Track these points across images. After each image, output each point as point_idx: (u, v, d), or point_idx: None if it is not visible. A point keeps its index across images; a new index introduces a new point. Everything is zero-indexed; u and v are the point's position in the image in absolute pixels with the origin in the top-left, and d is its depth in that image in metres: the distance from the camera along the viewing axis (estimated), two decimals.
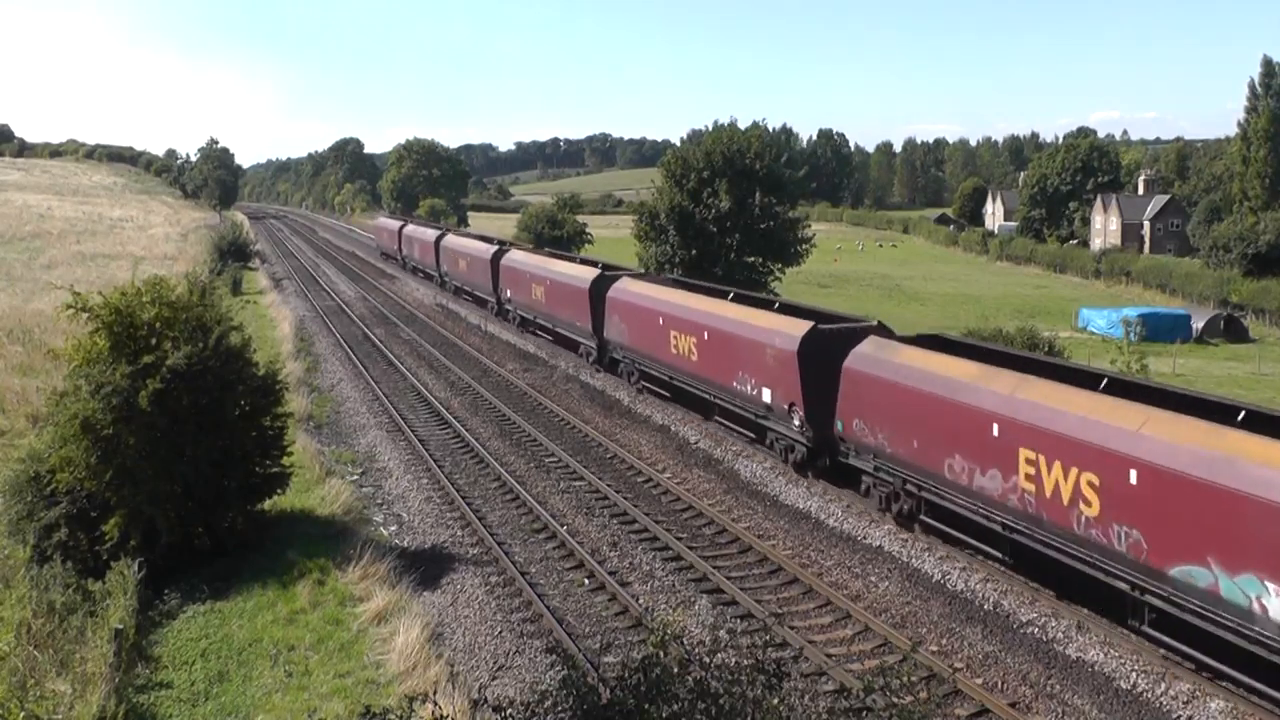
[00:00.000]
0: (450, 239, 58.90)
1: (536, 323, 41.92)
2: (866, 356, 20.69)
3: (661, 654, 8.23)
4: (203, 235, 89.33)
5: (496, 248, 48.94)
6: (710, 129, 55.00)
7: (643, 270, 38.21)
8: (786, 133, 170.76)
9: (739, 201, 48.61)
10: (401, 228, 73.49)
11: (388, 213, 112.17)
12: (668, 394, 30.12)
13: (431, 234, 63.17)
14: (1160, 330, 56.69)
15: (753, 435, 25.52)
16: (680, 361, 28.35)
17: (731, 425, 26.69)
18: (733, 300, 28.10)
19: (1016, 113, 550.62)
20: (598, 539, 20.25)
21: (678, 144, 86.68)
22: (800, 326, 22.94)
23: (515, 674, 14.88)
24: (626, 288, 32.74)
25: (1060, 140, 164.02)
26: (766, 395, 23.95)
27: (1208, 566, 13.58)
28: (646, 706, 7.84)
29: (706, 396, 27.54)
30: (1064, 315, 66.33)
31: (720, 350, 26.07)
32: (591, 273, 35.94)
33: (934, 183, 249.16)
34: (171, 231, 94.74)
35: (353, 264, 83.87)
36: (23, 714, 12.82)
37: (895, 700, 8.11)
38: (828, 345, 22.13)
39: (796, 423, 22.85)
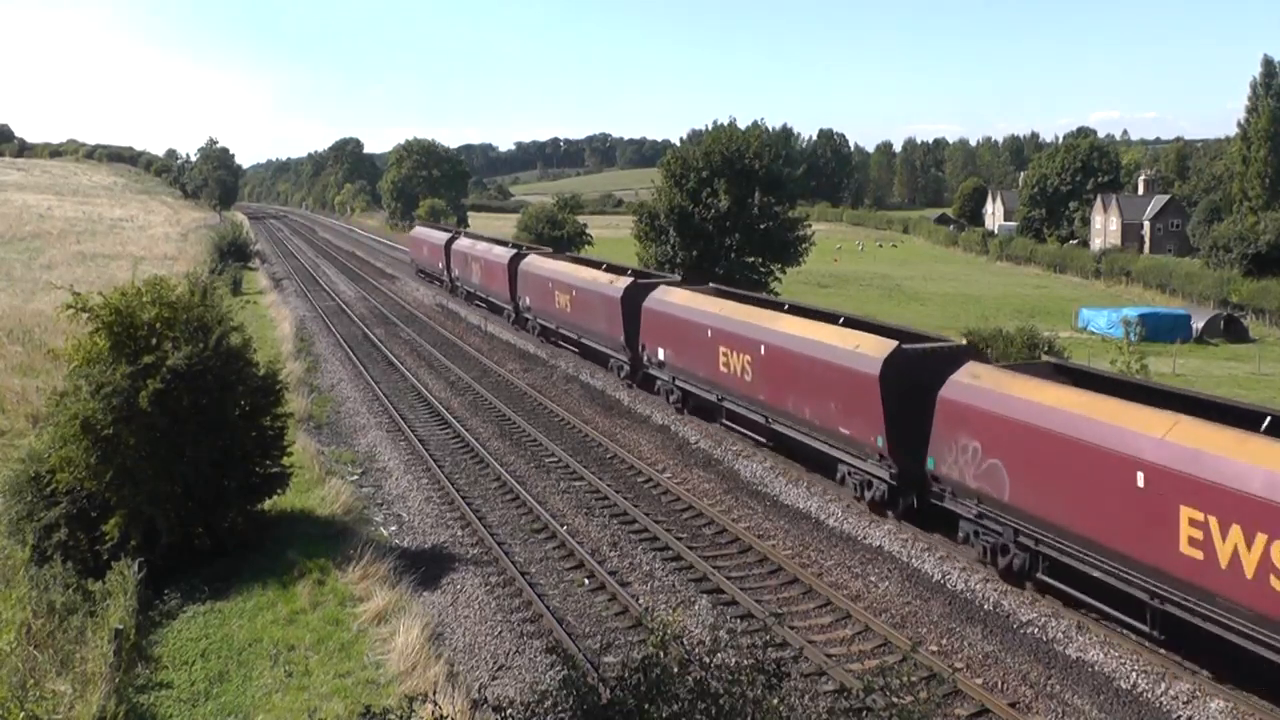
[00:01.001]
0: (537, 262, 42.16)
1: (745, 416, 25.69)
2: None
3: (661, 654, 8.23)
4: (203, 235, 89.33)
5: (631, 280, 33.14)
6: (710, 129, 55.01)
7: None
8: (786, 133, 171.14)
9: (738, 201, 48.65)
10: (450, 241, 57.29)
11: (384, 213, 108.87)
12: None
13: (502, 253, 46.44)
14: (1160, 330, 56.71)
15: None
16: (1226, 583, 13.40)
17: None
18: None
19: (1016, 113, 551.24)
20: (598, 539, 20.25)
21: (678, 144, 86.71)
22: None
23: (515, 674, 14.88)
24: (991, 383, 17.69)
25: (1060, 140, 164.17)
26: None
27: None
28: (646, 706, 7.84)
29: None
30: (1064, 315, 66.33)
31: None
32: (880, 345, 20.45)
33: (934, 183, 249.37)
34: (171, 231, 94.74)
35: (353, 264, 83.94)
36: (23, 714, 12.82)
37: (895, 700, 8.11)
38: None
39: None
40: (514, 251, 45.74)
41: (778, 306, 26.55)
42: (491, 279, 47.35)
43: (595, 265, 38.81)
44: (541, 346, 40.49)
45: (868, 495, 20.78)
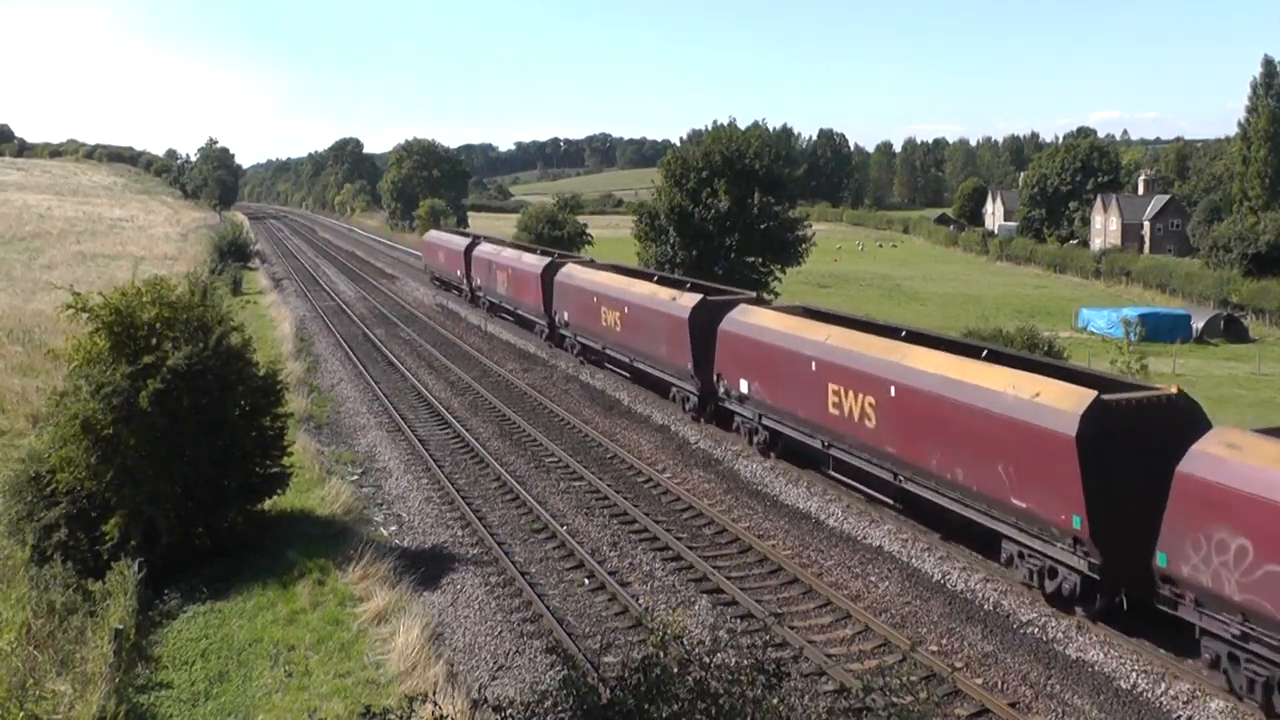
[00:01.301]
0: (578, 273, 37.41)
1: (862, 470, 21.32)
2: None
3: (661, 654, 8.24)
4: (203, 235, 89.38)
5: (700, 297, 28.12)
6: (710, 129, 55.05)
7: None
8: (787, 133, 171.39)
9: (738, 201, 48.65)
10: (471, 246, 52.08)
11: (384, 213, 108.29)
12: None
13: (535, 262, 41.78)
14: (1160, 330, 56.68)
15: None
16: None
17: None
18: None
19: (1016, 113, 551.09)
20: (598, 539, 20.25)
21: (678, 144, 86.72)
22: None
23: (515, 674, 14.89)
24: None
25: (1060, 140, 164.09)
26: None
27: None
28: (646, 706, 7.85)
29: None
30: (1064, 315, 66.33)
31: None
32: (1071, 396, 16.10)
33: (934, 183, 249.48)
34: (171, 231, 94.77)
35: (353, 264, 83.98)
36: (22, 714, 12.83)
37: (895, 700, 8.12)
38: None
39: None
40: (548, 260, 41.00)
41: (894, 333, 22.04)
42: (522, 290, 42.53)
43: (646, 277, 34.93)
44: (541, 346, 40.48)
45: (1049, 586, 16.42)
